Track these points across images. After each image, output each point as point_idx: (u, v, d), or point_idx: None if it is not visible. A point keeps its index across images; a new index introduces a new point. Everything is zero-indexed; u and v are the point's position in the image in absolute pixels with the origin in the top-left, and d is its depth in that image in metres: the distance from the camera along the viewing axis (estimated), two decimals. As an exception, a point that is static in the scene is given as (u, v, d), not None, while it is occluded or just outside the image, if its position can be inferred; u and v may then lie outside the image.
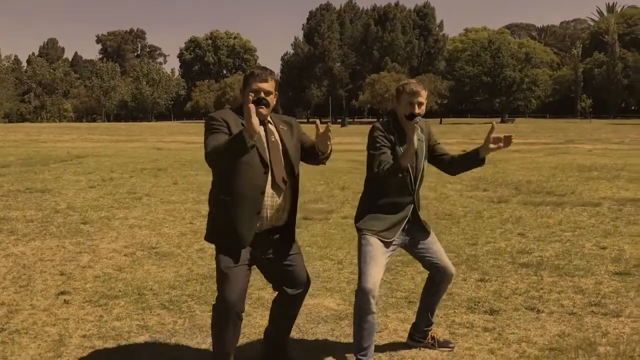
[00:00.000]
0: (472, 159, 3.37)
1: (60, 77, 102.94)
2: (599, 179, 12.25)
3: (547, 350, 3.60)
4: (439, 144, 3.56)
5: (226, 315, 2.94)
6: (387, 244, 3.30)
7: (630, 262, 5.63)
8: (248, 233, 2.96)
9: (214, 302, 3.03)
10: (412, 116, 3.26)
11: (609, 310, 4.30)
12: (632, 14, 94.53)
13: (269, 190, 2.99)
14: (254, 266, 3.14)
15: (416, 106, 3.28)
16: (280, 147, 3.08)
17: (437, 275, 3.49)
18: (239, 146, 2.66)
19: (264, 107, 2.98)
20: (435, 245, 3.48)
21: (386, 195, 3.32)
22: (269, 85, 3.02)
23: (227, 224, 2.97)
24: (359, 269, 3.24)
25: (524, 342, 3.73)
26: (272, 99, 3.05)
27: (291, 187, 3.11)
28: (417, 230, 3.45)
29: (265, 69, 3.10)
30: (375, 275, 3.17)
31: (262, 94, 2.99)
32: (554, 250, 6.16)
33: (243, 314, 2.99)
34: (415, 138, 3.12)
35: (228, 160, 2.80)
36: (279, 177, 3.02)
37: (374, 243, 3.27)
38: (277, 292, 3.30)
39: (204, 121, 3.09)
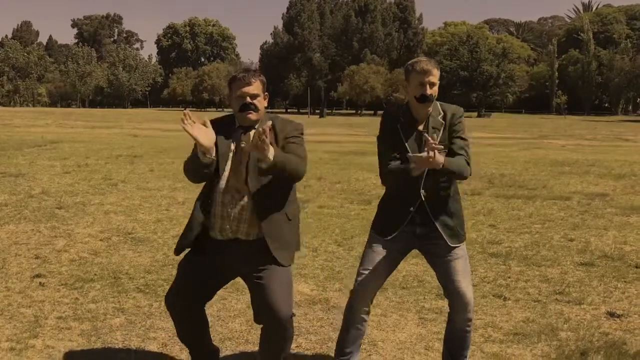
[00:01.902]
0: None
1: (35, 60, 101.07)
2: (570, 174, 12.54)
3: (511, 335, 3.75)
4: (457, 138, 2.95)
5: (170, 309, 2.92)
6: (390, 246, 2.96)
7: (595, 254, 5.83)
8: (189, 236, 2.86)
9: None
10: (423, 98, 2.88)
11: (572, 298, 4.48)
12: (607, 13, 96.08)
13: (218, 199, 2.79)
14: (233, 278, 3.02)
15: (427, 86, 2.87)
16: (248, 154, 2.79)
17: (449, 299, 3.03)
18: (197, 164, 2.73)
19: (252, 112, 2.80)
20: (453, 260, 2.94)
21: (390, 187, 3.03)
22: (254, 88, 2.81)
23: (188, 221, 2.92)
24: (357, 269, 3.03)
25: (489, 327, 3.88)
26: (260, 101, 2.83)
27: (261, 198, 2.77)
28: (431, 236, 2.95)
29: (248, 70, 2.89)
30: (367, 280, 2.93)
31: (249, 99, 2.79)
32: (523, 242, 6.34)
33: (196, 310, 2.94)
34: (431, 139, 2.68)
35: (195, 175, 2.84)
36: (232, 186, 2.77)
37: (376, 244, 2.99)
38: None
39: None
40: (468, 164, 2.91)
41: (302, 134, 2.92)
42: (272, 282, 2.75)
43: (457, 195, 3.05)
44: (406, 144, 2.91)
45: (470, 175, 2.96)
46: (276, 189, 2.81)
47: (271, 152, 2.56)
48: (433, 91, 2.89)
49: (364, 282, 2.94)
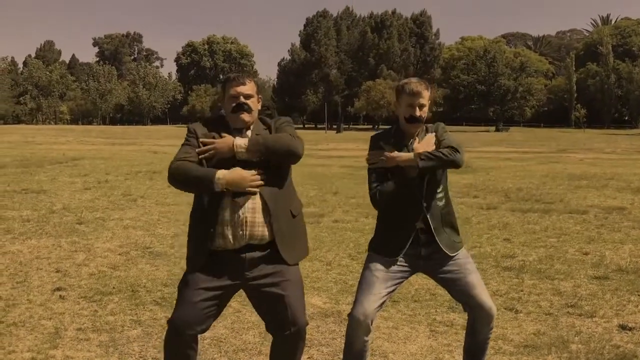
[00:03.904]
0: None
1: (57, 79, 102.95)
2: (588, 188, 12.46)
3: (522, 348, 3.77)
4: (443, 142, 3.03)
5: (175, 336, 2.70)
6: (391, 268, 2.93)
7: (609, 267, 5.82)
8: (201, 251, 2.69)
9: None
10: (412, 119, 2.93)
11: (584, 311, 4.49)
12: (626, 26, 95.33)
13: (226, 204, 2.66)
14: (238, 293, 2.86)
15: (417, 108, 2.93)
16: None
17: (469, 312, 3.02)
18: (205, 185, 2.63)
19: (245, 112, 2.74)
20: (467, 276, 2.95)
21: (391, 206, 2.95)
22: (247, 88, 2.75)
23: (190, 242, 2.77)
24: (356, 293, 2.97)
25: (500, 339, 3.90)
26: (253, 103, 2.78)
27: (270, 197, 2.72)
28: (436, 256, 2.97)
29: (242, 71, 2.93)
30: (367, 306, 2.84)
31: (242, 98, 2.74)
32: (538, 255, 6.34)
33: (199, 341, 2.75)
34: (417, 142, 2.92)
35: (191, 188, 2.69)
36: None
37: (376, 268, 2.92)
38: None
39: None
40: (457, 151, 2.91)
41: (291, 121, 2.94)
42: (290, 291, 2.72)
43: (451, 205, 3.07)
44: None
45: (463, 163, 2.95)
46: (280, 185, 2.77)
47: (240, 144, 2.65)
48: (422, 112, 2.95)
49: (362, 309, 2.84)
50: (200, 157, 2.69)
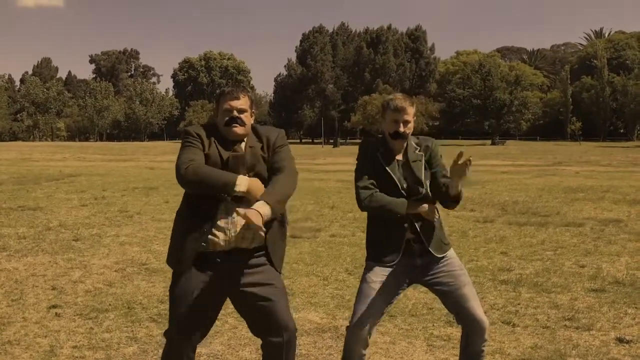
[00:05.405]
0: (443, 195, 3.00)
1: (54, 96, 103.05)
2: (584, 200, 12.49)
3: (519, 361, 3.77)
4: (440, 166, 3.05)
5: (172, 347, 2.76)
6: (388, 280, 2.95)
7: (606, 280, 5.82)
8: (189, 253, 2.71)
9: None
10: (396, 135, 2.98)
11: (582, 324, 4.48)
12: (620, 39, 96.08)
13: (222, 208, 2.70)
14: (227, 299, 2.86)
15: (401, 124, 2.97)
16: (246, 165, 2.77)
17: (463, 325, 3.05)
18: (223, 188, 2.63)
19: (238, 126, 2.78)
20: (461, 288, 2.98)
21: (379, 215, 3.02)
22: (241, 103, 2.80)
23: (177, 240, 2.78)
24: (354, 306, 3.00)
25: (497, 353, 3.89)
26: (246, 117, 2.81)
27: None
28: (432, 267, 3.01)
29: (237, 85, 2.95)
30: (365, 319, 2.88)
31: (235, 113, 2.78)
32: (534, 268, 6.34)
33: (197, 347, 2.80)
34: (400, 155, 2.99)
35: (208, 190, 2.65)
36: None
37: (373, 280, 2.95)
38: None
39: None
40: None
41: (285, 137, 2.95)
42: (279, 298, 2.75)
43: (438, 212, 3.10)
44: (388, 169, 2.99)
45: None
46: None
47: (265, 212, 2.52)
48: (407, 128, 2.99)
49: (360, 321, 2.88)
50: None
